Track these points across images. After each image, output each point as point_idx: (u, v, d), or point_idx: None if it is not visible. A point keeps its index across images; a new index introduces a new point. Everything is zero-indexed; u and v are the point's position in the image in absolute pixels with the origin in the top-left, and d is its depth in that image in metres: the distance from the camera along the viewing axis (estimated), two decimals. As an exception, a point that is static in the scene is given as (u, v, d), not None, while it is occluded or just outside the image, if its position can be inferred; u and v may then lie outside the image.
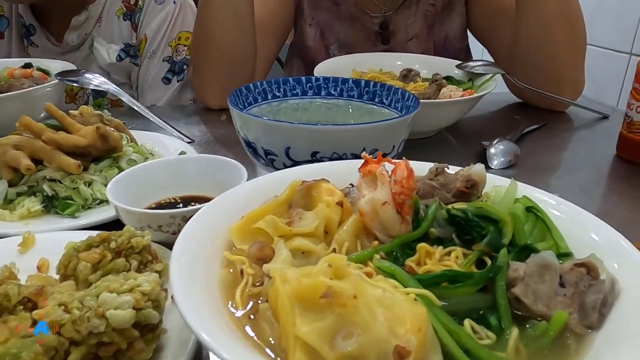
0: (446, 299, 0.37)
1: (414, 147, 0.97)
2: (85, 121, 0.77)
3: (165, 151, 0.88)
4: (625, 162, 0.92)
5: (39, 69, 1.08)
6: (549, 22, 1.06)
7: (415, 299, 0.35)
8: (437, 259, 0.41)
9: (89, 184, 0.70)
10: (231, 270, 0.42)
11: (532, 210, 0.48)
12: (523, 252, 0.40)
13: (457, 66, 1.10)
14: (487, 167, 0.89)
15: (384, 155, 0.68)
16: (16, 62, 1.13)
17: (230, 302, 0.38)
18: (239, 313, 0.37)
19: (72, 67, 1.06)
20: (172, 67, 1.27)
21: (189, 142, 0.96)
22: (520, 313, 0.37)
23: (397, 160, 0.48)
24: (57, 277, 0.46)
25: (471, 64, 1.09)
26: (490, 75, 1.03)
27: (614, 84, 1.69)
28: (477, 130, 1.09)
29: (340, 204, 0.46)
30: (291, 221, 0.45)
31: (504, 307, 0.36)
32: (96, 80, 1.02)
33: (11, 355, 0.32)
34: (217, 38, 1.08)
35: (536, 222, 0.47)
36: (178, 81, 1.27)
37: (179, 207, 0.65)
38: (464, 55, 1.35)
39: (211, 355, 0.46)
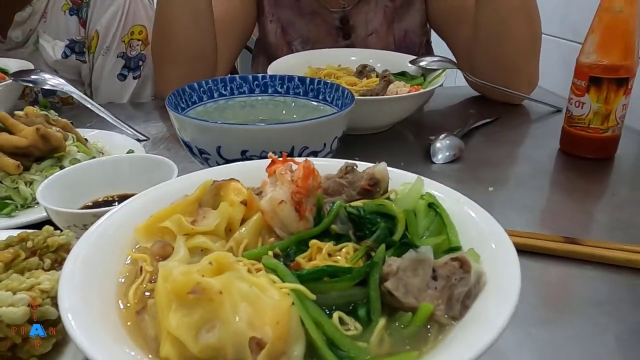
0: (325, 293, 0.39)
1: (365, 142, 0.99)
2: (30, 122, 0.78)
3: (116, 150, 0.89)
4: (567, 155, 0.94)
5: (-4, 69, 1.09)
6: (508, 15, 1.08)
7: (287, 295, 0.37)
8: (325, 255, 0.44)
9: (30, 183, 0.71)
10: (129, 269, 0.44)
11: (432, 206, 0.50)
12: (404, 247, 0.43)
13: (411, 62, 1.11)
14: (431, 162, 0.91)
15: (315, 155, 0.71)
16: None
17: (121, 299, 0.40)
18: (127, 309, 0.39)
19: (30, 66, 1.08)
20: (127, 64, 1.26)
21: (143, 140, 0.97)
22: (392, 305, 0.40)
23: (301, 160, 0.50)
24: (-26, 275, 0.48)
25: (424, 59, 1.11)
26: (440, 70, 1.05)
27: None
28: (430, 125, 1.11)
29: (244, 202, 0.48)
30: (195, 220, 0.47)
31: (374, 300, 0.38)
32: (52, 81, 1.03)
33: None
34: (175, 33, 1.09)
35: (435, 217, 0.50)
36: (134, 78, 1.27)
37: (115, 205, 0.67)
38: (425, 50, 1.37)
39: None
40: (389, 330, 0.38)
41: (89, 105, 1.00)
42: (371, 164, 0.55)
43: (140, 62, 1.28)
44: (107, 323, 0.36)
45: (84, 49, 1.23)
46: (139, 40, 1.26)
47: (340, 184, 0.53)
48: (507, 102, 1.20)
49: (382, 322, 0.38)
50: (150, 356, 0.35)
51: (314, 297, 0.38)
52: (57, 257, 0.49)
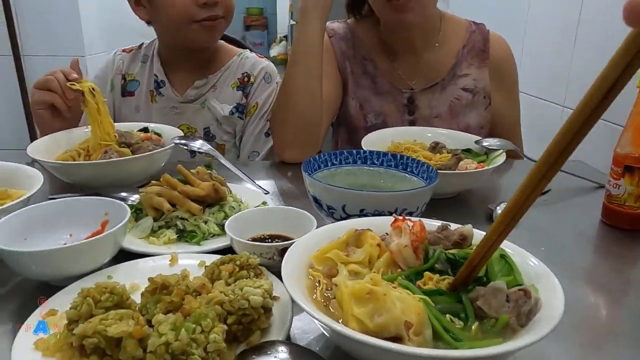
0: (438, 303, 0.64)
1: (439, 205, 1.24)
2: (200, 177, 1.10)
3: (251, 200, 1.19)
4: (608, 226, 1.15)
5: (154, 133, 1.45)
6: None
7: (419, 300, 0.62)
8: (435, 282, 0.69)
9: (205, 222, 1.01)
10: (313, 285, 0.70)
11: (503, 257, 0.75)
12: (487, 281, 0.67)
13: (476, 142, 1.38)
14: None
15: (410, 214, 0.97)
16: (132, 126, 1.50)
17: (314, 296, 0.67)
18: (318, 302, 0.66)
19: (180, 133, 1.42)
20: None
21: (265, 194, 1.27)
22: (481, 315, 0.64)
23: (416, 219, 0.76)
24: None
25: (487, 140, 1.38)
26: (501, 151, 1.31)
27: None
28: (489, 194, 1.35)
29: (379, 245, 0.75)
30: (348, 254, 0.74)
31: (470, 311, 0.63)
32: (197, 143, 1.37)
33: (203, 315, 0.62)
34: (297, 106, 1.45)
35: (505, 264, 0.74)
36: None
37: (268, 241, 0.96)
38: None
39: (295, 330, 0.75)
40: (480, 329, 0.62)
41: (226, 165, 1.32)
42: (460, 225, 0.81)
43: None
44: (312, 307, 0.63)
45: (244, 111, 1.72)
46: None
47: (438, 237, 0.79)
48: None
49: (476, 323, 0.62)
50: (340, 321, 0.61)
51: (433, 304, 0.63)
52: (255, 271, 0.77)
